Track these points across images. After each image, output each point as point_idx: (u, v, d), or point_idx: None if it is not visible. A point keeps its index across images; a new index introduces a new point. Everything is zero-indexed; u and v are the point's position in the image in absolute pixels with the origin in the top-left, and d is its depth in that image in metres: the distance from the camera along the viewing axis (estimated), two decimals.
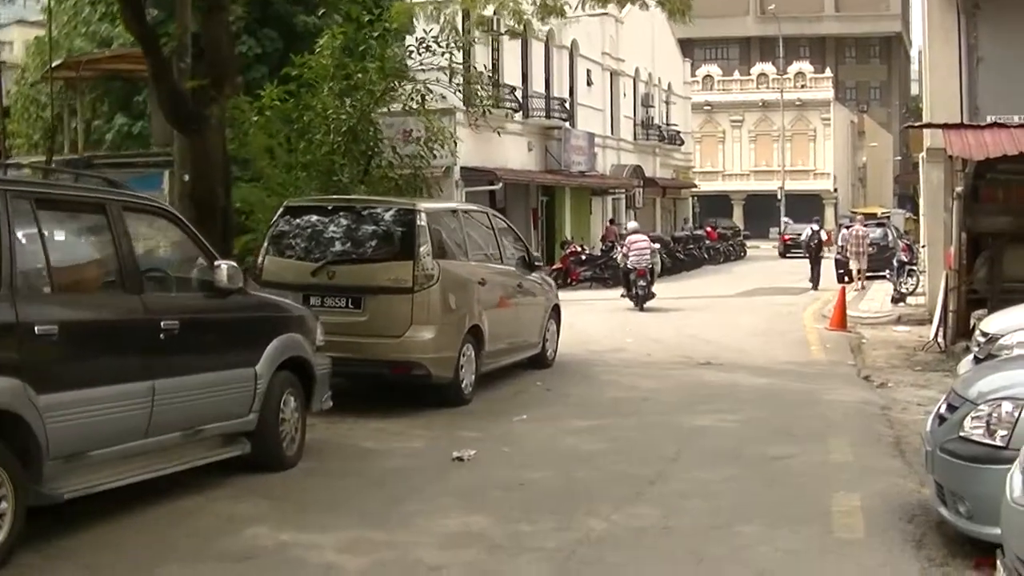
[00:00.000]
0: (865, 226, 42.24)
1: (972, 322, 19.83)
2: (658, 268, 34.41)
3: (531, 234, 48.02)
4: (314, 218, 15.39)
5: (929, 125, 23.13)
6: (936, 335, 20.98)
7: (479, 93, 22.44)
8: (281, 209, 15.78)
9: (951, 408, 8.70)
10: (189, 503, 9.79)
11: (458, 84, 22.01)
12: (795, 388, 16.99)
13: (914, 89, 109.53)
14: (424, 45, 21.03)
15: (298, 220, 15.42)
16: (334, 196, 16.95)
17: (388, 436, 13.06)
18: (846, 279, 39.13)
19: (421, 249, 14.45)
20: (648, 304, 30.99)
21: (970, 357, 12.74)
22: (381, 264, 14.66)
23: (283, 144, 20.66)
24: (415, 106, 21.95)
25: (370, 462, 11.73)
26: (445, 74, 21.75)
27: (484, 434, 13.21)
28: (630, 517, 9.47)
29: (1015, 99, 23.96)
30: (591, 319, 27.86)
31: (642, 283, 31.04)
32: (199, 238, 10.46)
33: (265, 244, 15.47)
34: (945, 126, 20.73)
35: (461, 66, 21.99)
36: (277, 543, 8.68)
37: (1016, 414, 7.96)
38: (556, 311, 19.28)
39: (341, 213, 15.31)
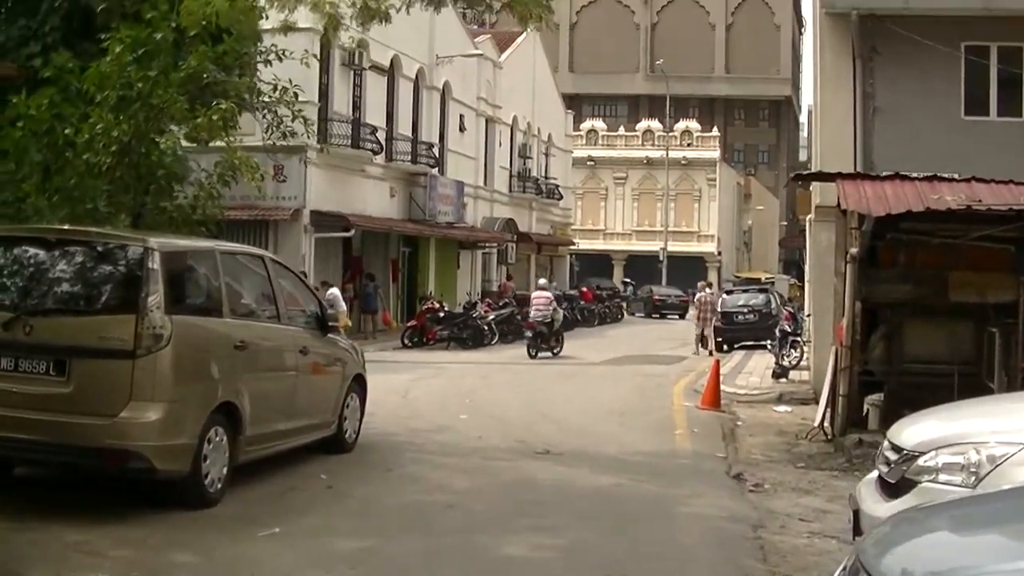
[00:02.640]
0: (712, 292, 43.48)
1: (865, 408, 17.00)
2: (558, 322, 36.53)
3: (390, 287, 44.98)
4: (20, 253, 11.64)
5: (820, 175, 20.11)
6: (823, 421, 18.02)
7: (282, 116, 18.32)
8: None
9: None
10: None
11: (262, 106, 18.05)
12: (645, 493, 13.41)
13: (802, 156, 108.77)
14: (217, 54, 17.06)
15: (4, 255, 11.73)
16: (46, 227, 13.07)
17: (78, 557, 9.35)
18: (723, 347, 38.27)
19: (149, 300, 10.75)
20: (550, 360, 34.18)
21: (874, 476, 9.03)
22: (94, 318, 10.95)
23: (42, 162, 16.76)
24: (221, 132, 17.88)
25: None
26: (247, 95, 17.81)
27: (204, 559, 9.52)
28: None
29: (915, 153, 21.22)
30: (432, 386, 24.65)
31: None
32: None
33: None
34: (839, 176, 17.75)
35: (263, 83, 18.08)
36: None
37: None
38: (360, 382, 15.50)
39: (57, 248, 11.51)
